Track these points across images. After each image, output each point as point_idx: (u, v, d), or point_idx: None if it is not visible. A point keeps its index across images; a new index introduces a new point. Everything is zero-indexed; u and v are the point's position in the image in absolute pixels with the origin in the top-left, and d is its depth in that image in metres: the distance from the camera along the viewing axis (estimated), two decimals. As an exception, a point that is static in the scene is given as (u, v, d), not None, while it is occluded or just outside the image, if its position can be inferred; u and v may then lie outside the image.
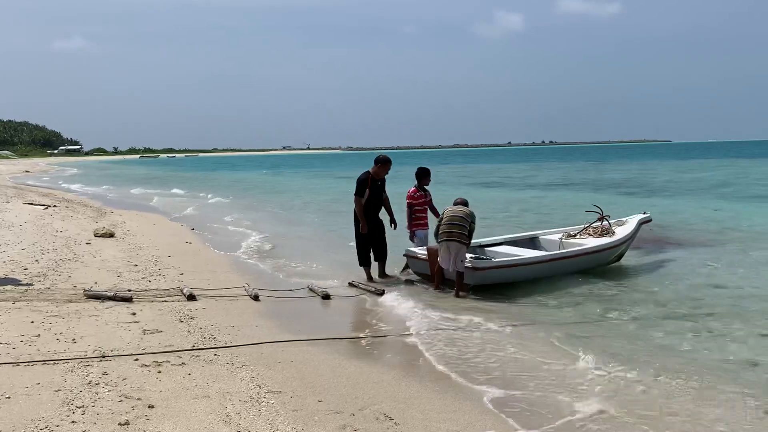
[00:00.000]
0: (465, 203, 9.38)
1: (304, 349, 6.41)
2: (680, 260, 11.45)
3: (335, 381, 5.49)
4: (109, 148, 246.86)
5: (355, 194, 9.93)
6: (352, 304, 8.62)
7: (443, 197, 10.73)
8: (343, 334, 7.09)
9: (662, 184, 33.20)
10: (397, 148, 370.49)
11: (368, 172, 10.01)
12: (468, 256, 9.15)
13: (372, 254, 10.04)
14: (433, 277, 9.34)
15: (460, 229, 8.96)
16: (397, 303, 8.55)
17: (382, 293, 8.92)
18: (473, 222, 9.11)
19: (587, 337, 6.89)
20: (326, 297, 8.78)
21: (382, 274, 10.03)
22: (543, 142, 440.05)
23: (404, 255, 10.03)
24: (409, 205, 10.17)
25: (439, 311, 8.04)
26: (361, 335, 7.08)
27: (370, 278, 9.90)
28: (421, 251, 9.75)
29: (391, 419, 4.70)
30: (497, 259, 9.48)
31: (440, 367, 5.98)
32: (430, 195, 10.33)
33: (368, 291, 9.10)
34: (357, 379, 5.59)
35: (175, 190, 35.02)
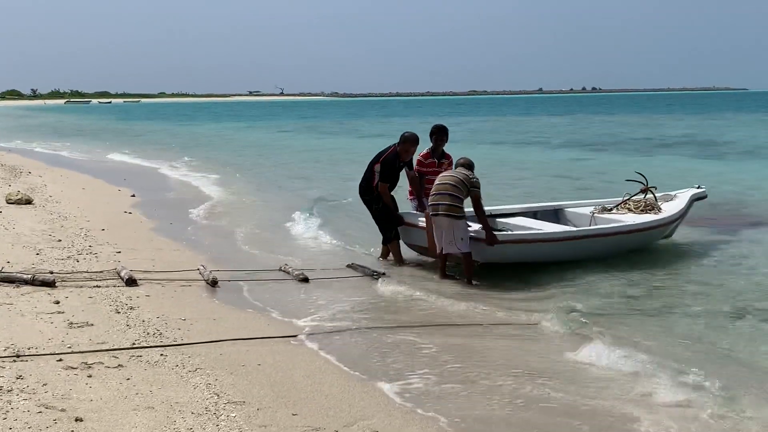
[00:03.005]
0: (468, 165, 9.30)
1: (274, 349, 6.42)
2: (757, 242, 11.46)
3: (314, 389, 5.51)
4: (26, 91, 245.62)
5: (381, 181, 9.96)
6: (337, 290, 8.65)
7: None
8: (324, 329, 7.10)
9: (735, 143, 33.16)
10: (396, 95, 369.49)
11: (395, 150, 9.98)
12: (475, 226, 9.19)
13: (383, 236, 10.19)
14: (431, 251, 9.44)
15: (450, 200, 8.90)
16: (395, 289, 8.63)
17: (380, 276, 9.03)
18: (474, 187, 8.99)
19: (637, 339, 6.90)
20: (304, 280, 8.81)
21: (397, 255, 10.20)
22: (584, 89, 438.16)
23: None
24: (419, 174, 10.19)
25: (449, 301, 8.13)
26: (347, 330, 7.09)
27: (385, 257, 10.14)
28: (417, 218, 9.83)
29: (385, 438, 4.73)
30: (515, 232, 9.60)
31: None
32: (449, 160, 10.26)
33: (367, 274, 9.19)
34: (342, 387, 5.60)
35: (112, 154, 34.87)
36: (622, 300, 8.22)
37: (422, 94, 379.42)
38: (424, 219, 9.55)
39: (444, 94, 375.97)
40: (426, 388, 5.69)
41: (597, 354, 6.36)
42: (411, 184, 10.31)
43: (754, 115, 65.00)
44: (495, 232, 9.25)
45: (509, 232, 9.58)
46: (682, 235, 11.42)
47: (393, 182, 10.12)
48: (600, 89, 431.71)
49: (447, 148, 10.39)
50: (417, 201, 10.18)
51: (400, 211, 10.09)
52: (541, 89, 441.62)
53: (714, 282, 9.05)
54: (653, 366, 6.03)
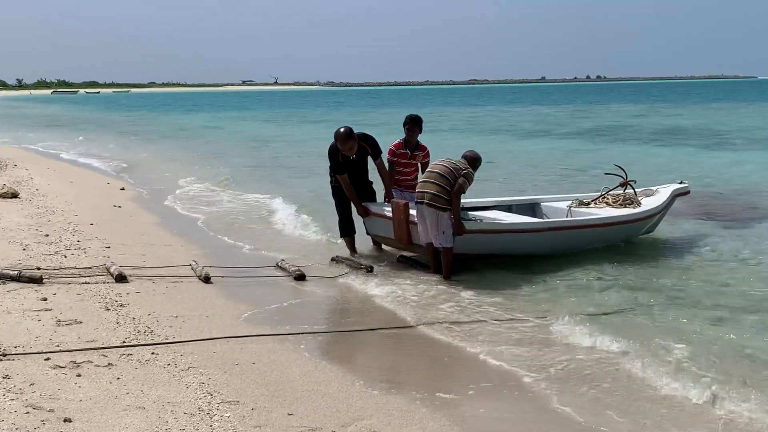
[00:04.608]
0: (468, 157, 9.23)
1: (269, 347, 6.43)
2: (761, 236, 11.46)
3: (310, 389, 5.52)
4: (11, 81, 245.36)
5: (334, 172, 9.95)
6: (333, 286, 8.67)
7: (450, 151, 10.64)
8: (321, 328, 7.12)
9: (741, 132, 33.16)
10: (393, 84, 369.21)
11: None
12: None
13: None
14: (396, 242, 9.59)
15: (436, 190, 8.79)
16: (388, 285, 8.63)
17: (370, 269, 9.13)
18: (463, 177, 8.80)
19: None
20: (300, 278, 8.82)
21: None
22: (588, 77, 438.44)
23: (358, 214, 10.11)
24: (390, 164, 10.21)
25: (442, 296, 8.17)
26: (345, 329, 7.11)
27: (354, 251, 10.13)
28: (381, 207, 9.87)
29: (383, 439, 4.74)
30: (483, 221, 9.68)
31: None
32: (423, 154, 10.27)
33: (354, 268, 9.24)
34: (339, 386, 5.61)
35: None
36: (613, 295, 8.25)
37: (421, 84, 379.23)
38: (390, 209, 9.58)
39: (443, 84, 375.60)
40: (426, 387, 5.70)
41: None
42: (380, 173, 10.18)
43: (762, 104, 64.92)
44: (468, 221, 9.28)
45: (478, 221, 9.60)
46: (678, 227, 11.44)
47: (348, 173, 9.88)
48: (605, 78, 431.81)
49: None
50: (385, 190, 10.17)
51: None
52: (544, 78, 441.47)
53: (711, 275, 9.03)
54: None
